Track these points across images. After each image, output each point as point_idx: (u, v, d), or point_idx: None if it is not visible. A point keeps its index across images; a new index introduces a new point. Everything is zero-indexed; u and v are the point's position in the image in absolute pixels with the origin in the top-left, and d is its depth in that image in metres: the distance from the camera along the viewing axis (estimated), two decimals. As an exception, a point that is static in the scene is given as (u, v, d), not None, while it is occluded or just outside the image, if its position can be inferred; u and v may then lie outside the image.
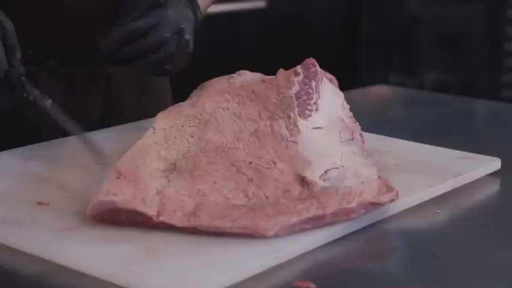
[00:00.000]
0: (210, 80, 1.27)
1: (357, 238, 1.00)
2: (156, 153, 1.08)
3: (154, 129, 1.14)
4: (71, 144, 1.26)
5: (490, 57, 3.51)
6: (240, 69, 1.29)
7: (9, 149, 1.24)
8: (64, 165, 1.17)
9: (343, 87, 1.29)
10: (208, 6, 1.41)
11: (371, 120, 1.50)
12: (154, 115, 1.18)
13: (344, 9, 3.32)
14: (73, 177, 1.12)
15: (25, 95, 1.16)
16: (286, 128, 1.13)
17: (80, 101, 1.39)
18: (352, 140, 1.15)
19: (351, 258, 0.97)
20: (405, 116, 1.73)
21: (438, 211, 1.08)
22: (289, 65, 1.24)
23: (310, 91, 1.18)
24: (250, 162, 1.06)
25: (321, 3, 3.23)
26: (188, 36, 1.26)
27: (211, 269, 0.88)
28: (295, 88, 1.18)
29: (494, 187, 1.19)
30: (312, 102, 1.18)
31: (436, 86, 3.41)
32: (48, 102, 1.16)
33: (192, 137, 1.12)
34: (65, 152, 1.23)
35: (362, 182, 1.03)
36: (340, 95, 1.25)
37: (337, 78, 1.29)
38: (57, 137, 1.29)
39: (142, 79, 1.45)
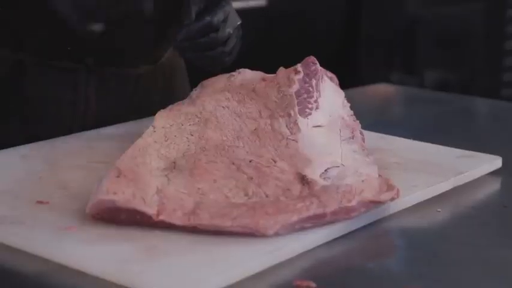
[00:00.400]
0: (210, 79, 1.27)
1: (358, 237, 0.99)
2: (156, 152, 1.07)
3: (154, 127, 1.14)
4: (71, 143, 1.26)
5: (490, 56, 3.51)
6: (240, 68, 1.29)
7: (9, 147, 1.24)
8: (64, 164, 1.17)
9: (343, 87, 1.28)
10: None
11: (372, 118, 1.49)
12: None
13: (344, 9, 3.31)
14: (73, 176, 1.12)
15: None
16: (287, 126, 1.13)
17: (110, 99, 1.40)
18: (353, 138, 1.15)
19: (351, 257, 0.96)
20: (406, 114, 1.73)
21: (439, 210, 1.08)
22: (289, 63, 1.24)
23: (311, 89, 1.18)
24: (250, 161, 1.06)
25: (321, 3, 3.22)
26: (241, 31, 1.36)
27: (211, 268, 0.88)
28: (296, 86, 1.17)
29: (495, 185, 1.19)
30: (312, 100, 1.17)
31: (437, 85, 3.41)
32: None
33: (192, 135, 1.12)
34: (65, 150, 1.23)
35: (362, 181, 1.03)
36: (341, 93, 1.25)
37: (337, 78, 1.29)
38: (57, 136, 1.29)
39: (167, 79, 1.48)
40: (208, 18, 1.29)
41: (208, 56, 1.32)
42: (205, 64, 1.35)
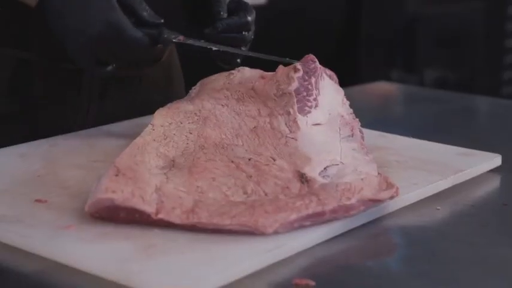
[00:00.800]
0: (209, 77, 1.27)
1: (357, 235, 0.99)
2: (155, 150, 1.07)
3: (153, 126, 1.14)
4: (70, 142, 1.26)
5: (490, 54, 3.51)
6: (239, 66, 1.29)
7: (7, 146, 1.23)
8: (63, 162, 1.17)
9: (343, 86, 1.28)
10: None
11: (371, 116, 1.49)
12: None
13: (344, 8, 3.31)
14: (71, 175, 1.12)
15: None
16: (286, 124, 1.13)
17: (111, 99, 1.40)
18: (352, 136, 1.15)
19: (350, 255, 0.96)
20: (406, 112, 1.73)
21: (438, 208, 1.08)
22: (288, 62, 1.23)
23: (310, 87, 1.18)
24: (249, 159, 1.06)
25: (321, 2, 3.22)
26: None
27: (210, 266, 0.87)
28: (295, 84, 1.17)
29: (494, 183, 1.19)
30: (311, 98, 1.17)
31: (437, 84, 3.41)
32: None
33: (191, 133, 1.12)
34: (64, 149, 1.23)
35: (362, 179, 1.02)
36: (340, 91, 1.25)
37: (337, 77, 1.28)
38: (55, 134, 1.29)
39: (167, 79, 1.48)
40: (249, 17, 1.31)
41: (229, 52, 1.32)
42: (223, 59, 1.35)
